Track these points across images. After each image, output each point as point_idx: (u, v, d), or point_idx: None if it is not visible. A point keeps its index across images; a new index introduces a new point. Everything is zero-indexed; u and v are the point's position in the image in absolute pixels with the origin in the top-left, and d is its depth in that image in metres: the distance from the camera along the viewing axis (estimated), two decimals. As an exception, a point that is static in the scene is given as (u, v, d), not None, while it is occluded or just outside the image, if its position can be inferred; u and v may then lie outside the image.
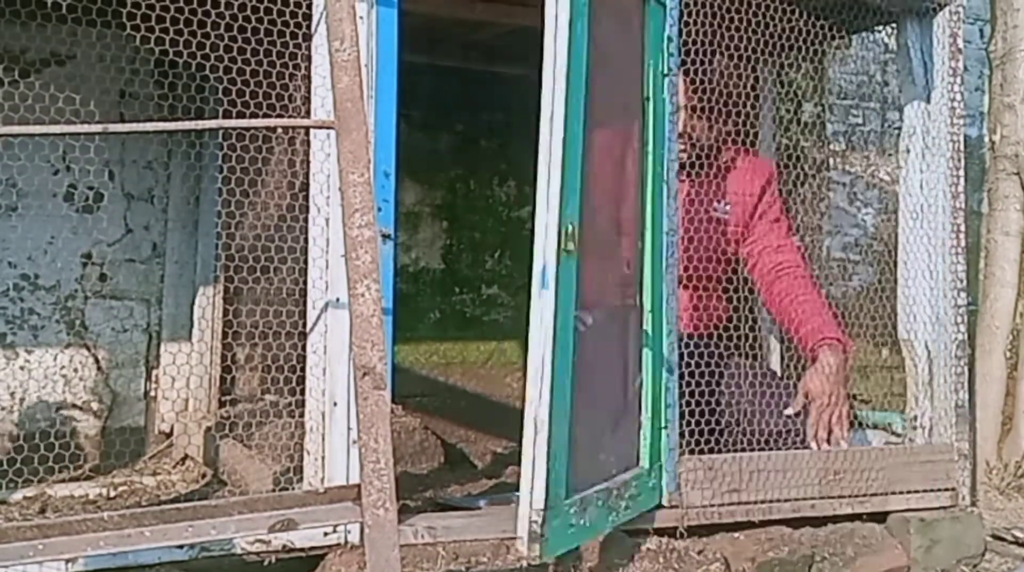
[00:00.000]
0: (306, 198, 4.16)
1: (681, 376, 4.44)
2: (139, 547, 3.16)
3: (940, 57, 5.37)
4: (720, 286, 5.09)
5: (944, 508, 5.02)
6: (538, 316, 3.64)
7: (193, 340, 6.21)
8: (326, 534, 3.94)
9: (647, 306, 4.35)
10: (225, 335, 5.98)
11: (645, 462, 4.33)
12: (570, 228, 3.65)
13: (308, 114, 4.16)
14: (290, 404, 4.65)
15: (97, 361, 6.12)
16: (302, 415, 4.19)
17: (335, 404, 3.99)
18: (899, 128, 5.51)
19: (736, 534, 4.56)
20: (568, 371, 3.72)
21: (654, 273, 4.36)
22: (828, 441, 4.76)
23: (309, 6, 4.16)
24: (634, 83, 4.35)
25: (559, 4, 3.69)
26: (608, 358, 4.26)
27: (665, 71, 4.45)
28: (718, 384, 4.73)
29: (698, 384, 4.46)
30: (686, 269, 4.55)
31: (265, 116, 4.44)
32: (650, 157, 4.35)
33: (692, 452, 4.50)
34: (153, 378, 6.25)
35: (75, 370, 6.05)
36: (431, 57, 5.67)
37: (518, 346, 7.97)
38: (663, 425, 4.37)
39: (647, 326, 4.36)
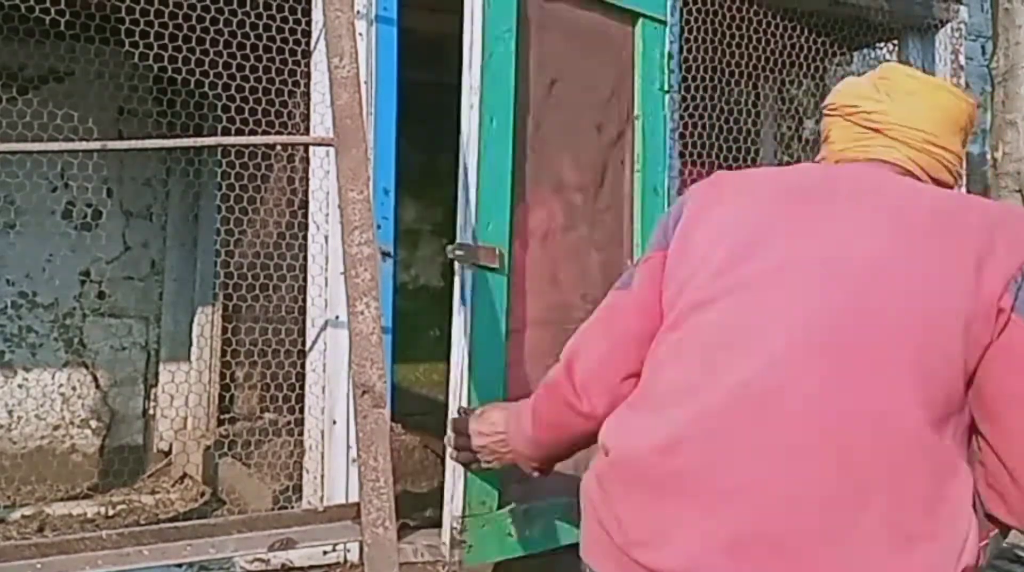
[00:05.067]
0: (305, 216, 4.16)
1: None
2: (138, 566, 3.13)
3: (941, 74, 5.37)
4: None
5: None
6: (456, 333, 3.78)
7: (192, 358, 6.20)
8: (325, 553, 3.93)
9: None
10: (224, 353, 5.97)
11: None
12: (497, 250, 3.82)
13: (307, 131, 4.16)
14: (289, 422, 4.64)
15: (96, 379, 6.11)
16: (301, 433, 4.18)
17: (334, 422, 3.97)
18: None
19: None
20: (495, 385, 3.83)
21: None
22: None
23: (308, 23, 4.15)
24: (610, 104, 4.40)
25: (473, 30, 3.83)
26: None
27: (666, 88, 4.45)
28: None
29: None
30: None
31: (264, 133, 4.43)
32: (639, 175, 4.37)
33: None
34: (152, 396, 6.23)
35: (73, 388, 6.04)
36: (432, 74, 5.66)
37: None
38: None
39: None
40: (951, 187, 2.40)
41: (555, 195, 4.16)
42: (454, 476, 3.67)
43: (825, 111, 2.52)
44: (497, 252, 3.83)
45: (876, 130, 2.36)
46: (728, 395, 2.08)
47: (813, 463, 2.00)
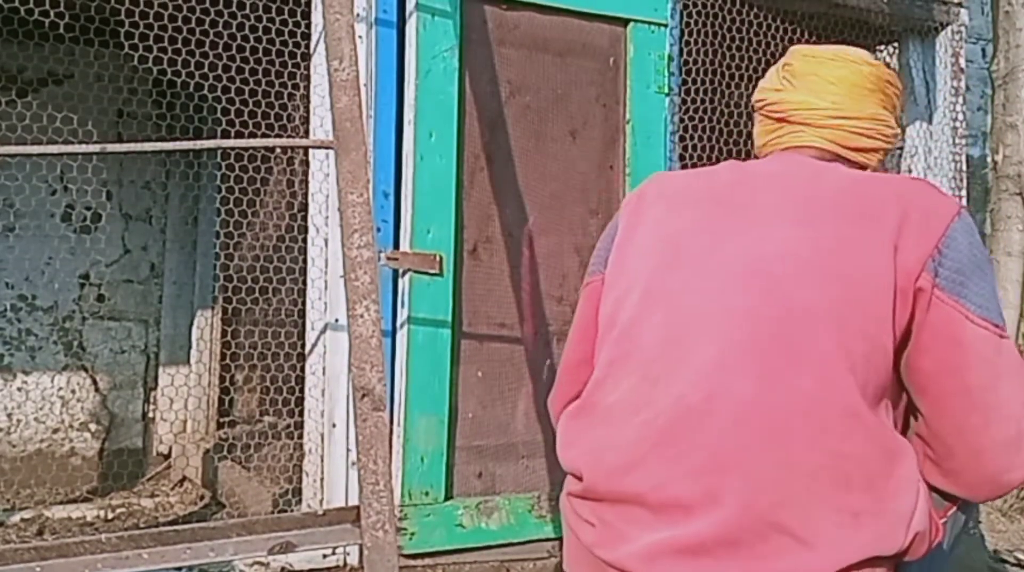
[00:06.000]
0: (305, 219, 4.15)
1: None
2: (137, 569, 3.13)
3: (942, 76, 5.36)
4: None
5: (947, 530, 4.98)
6: (399, 334, 4.00)
7: (191, 361, 6.20)
8: (325, 556, 3.92)
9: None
10: (224, 356, 5.97)
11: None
12: (437, 256, 4.02)
13: (307, 134, 4.15)
14: (289, 426, 4.63)
15: (95, 382, 6.10)
16: (301, 437, 4.17)
17: (334, 425, 3.97)
18: (901, 148, 5.49)
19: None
20: (437, 388, 4.04)
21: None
22: None
23: (308, 26, 4.15)
24: (591, 110, 4.43)
25: (409, 50, 4.05)
26: (550, 381, 4.32)
27: (666, 90, 4.45)
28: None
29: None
30: None
31: (264, 136, 4.43)
32: (631, 179, 4.39)
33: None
34: (151, 399, 6.23)
35: (73, 391, 6.03)
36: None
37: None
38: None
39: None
40: (877, 151, 2.44)
41: (520, 202, 4.21)
42: (391, 468, 3.79)
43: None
44: (437, 258, 3.99)
45: (782, 119, 2.43)
46: (667, 411, 2.14)
47: (755, 465, 2.05)
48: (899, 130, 2.46)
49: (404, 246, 3.98)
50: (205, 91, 4.77)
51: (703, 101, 4.71)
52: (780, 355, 2.08)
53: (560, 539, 4.21)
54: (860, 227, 2.13)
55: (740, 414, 2.07)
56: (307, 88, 4.17)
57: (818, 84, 2.41)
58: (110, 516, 5.15)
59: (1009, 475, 2.16)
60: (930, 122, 5.30)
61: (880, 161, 2.44)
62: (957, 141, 5.28)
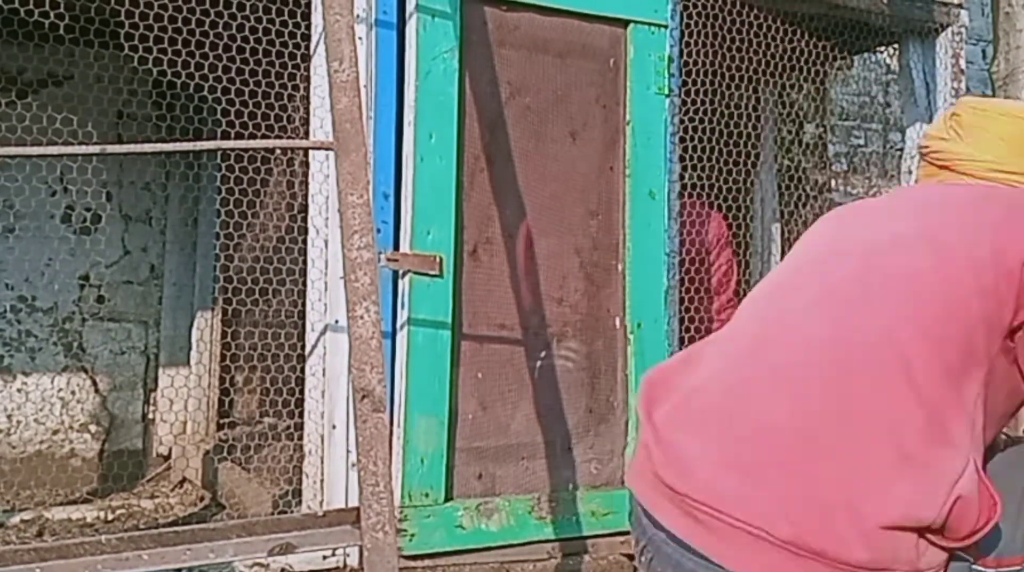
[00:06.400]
0: (305, 220, 4.15)
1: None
2: (137, 570, 3.13)
3: (942, 78, 5.36)
4: None
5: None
6: (399, 336, 4.00)
7: (191, 362, 6.19)
8: (325, 557, 3.91)
9: (630, 327, 4.36)
10: (223, 357, 5.96)
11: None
12: (437, 258, 4.02)
13: (307, 135, 4.15)
14: (289, 427, 4.63)
15: (95, 383, 6.10)
16: (301, 438, 4.17)
17: (334, 427, 3.96)
18: (901, 149, 5.49)
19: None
20: (437, 389, 4.04)
21: (635, 294, 4.38)
22: None
23: (308, 27, 4.15)
24: (591, 111, 4.43)
25: (409, 51, 4.06)
26: (550, 383, 4.31)
27: (666, 91, 4.45)
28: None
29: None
30: None
31: (264, 137, 4.43)
32: (630, 180, 4.38)
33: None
34: (151, 401, 6.22)
35: (73, 393, 6.03)
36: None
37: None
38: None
39: (632, 348, 4.37)
40: None
41: (520, 204, 4.21)
42: (391, 469, 3.80)
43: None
44: (437, 260, 3.99)
45: (945, 166, 2.60)
46: (745, 344, 2.36)
47: (809, 397, 2.16)
48: None
49: (404, 247, 3.98)
50: (205, 92, 4.77)
51: (703, 102, 4.70)
52: (851, 308, 2.25)
53: (560, 540, 4.21)
54: (961, 216, 2.29)
55: (803, 349, 2.28)
56: (307, 89, 4.17)
57: (984, 138, 2.55)
58: (110, 517, 5.15)
59: None
60: (930, 123, 5.30)
61: None
62: (957, 142, 5.29)
